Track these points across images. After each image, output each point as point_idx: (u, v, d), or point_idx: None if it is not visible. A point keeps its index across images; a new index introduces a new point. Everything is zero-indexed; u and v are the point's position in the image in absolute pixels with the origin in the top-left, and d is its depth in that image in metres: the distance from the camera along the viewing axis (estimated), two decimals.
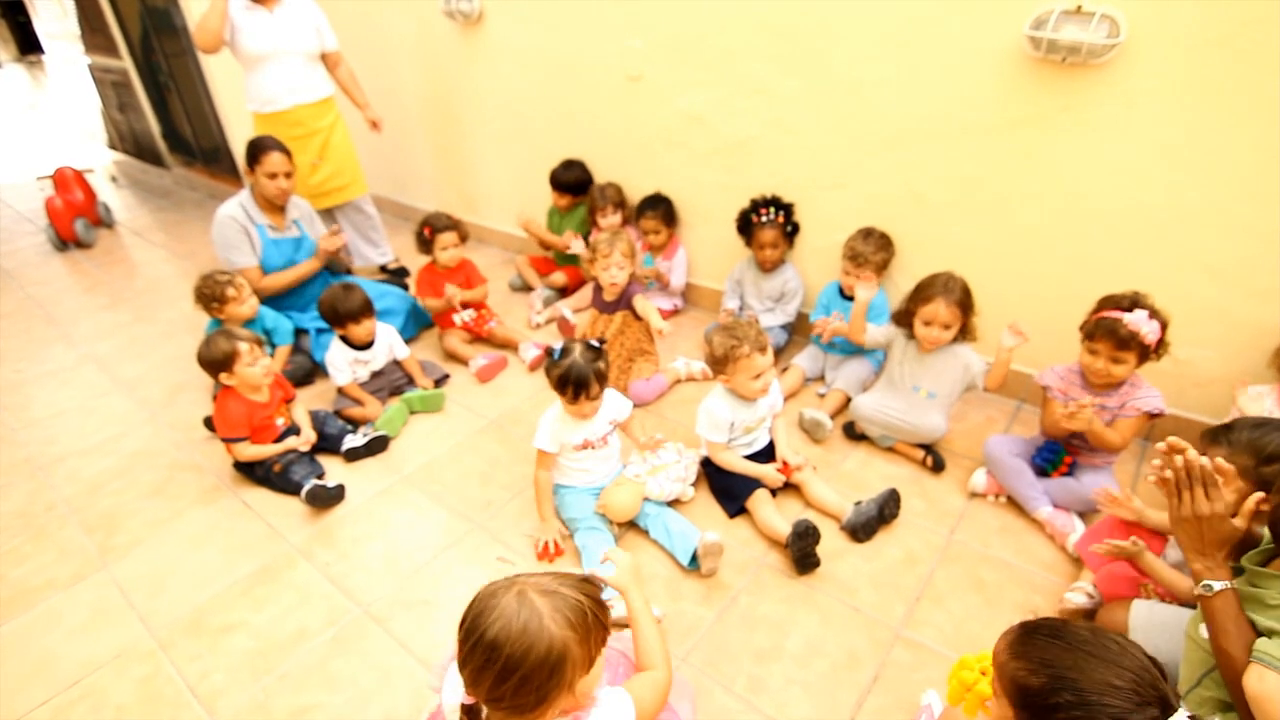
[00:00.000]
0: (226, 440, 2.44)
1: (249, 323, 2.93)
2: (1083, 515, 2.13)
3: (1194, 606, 1.73)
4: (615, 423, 2.23)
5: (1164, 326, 1.97)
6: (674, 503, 2.29)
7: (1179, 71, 2.05)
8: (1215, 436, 1.64)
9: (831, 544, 2.15)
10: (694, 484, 2.36)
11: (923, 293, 2.27)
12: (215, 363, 2.37)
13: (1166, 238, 2.25)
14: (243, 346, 2.37)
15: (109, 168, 6.79)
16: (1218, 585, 1.31)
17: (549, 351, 2.10)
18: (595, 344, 2.09)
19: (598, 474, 2.23)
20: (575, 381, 2.02)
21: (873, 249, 2.67)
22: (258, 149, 2.99)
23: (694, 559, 2.04)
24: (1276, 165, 2.01)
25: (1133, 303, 1.98)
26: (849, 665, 1.79)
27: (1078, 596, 1.87)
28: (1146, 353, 1.97)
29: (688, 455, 2.37)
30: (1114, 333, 1.95)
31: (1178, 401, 2.39)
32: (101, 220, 5.15)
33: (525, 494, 2.40)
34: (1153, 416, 2.05)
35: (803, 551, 1.99)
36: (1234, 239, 2.15)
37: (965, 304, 2.25)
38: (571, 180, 3.59)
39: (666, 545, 2.12)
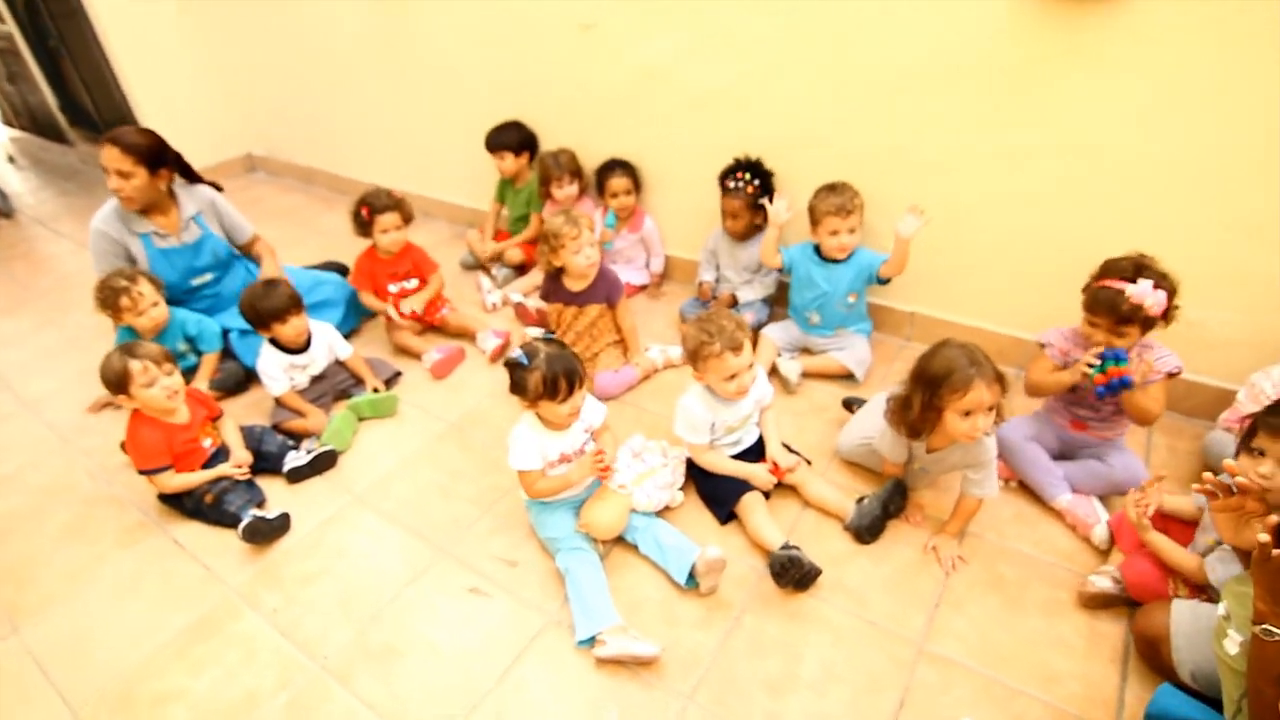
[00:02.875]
0: (145, 473, 2.12)
1: (168, 327, 2.58)
2: (1104, 499, 1.98)
3: (1204, 594, 1.61)
4: (590, 430, 1.99)
5: (1171, 294, 1.78)
6: (663, 510, 2.07)
7: (1202, 5, 1.82)
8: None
9: (837, 547, 1.97)
10: (682, 487, 2.14)
11: (948, 381, 1.68)
12: (109, 384, 2.05)
13: (1181, 190, 2.06)
14: (134, 365, 2.04)
15: (5, 146, 6.11)
16: None
17: (511, 364, 1.82)
18: (549, 335, 1.85)
19: (577, 486, 1.99)
20: (566, 375, 1.77)
21: (851, 194, 2.42)
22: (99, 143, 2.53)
23: (691, 576, 1.84)
24: None
25: (1136, 269, 1.78)
26: (871, 690, 1.62)
27: (1102, 580, 1.74)
28: (1152, 323, 1.79)
29: (674, 456, 2.15)
30: (1114, 309, 1.76)
31: (1188, 366, 2.23)
32: None
33: (494, 509, 2.16)
34: (1170, 376, 1.89)
35: (788, 584, 1.81)
36: (1255, 191, 1.96)
37: (999, 373, 1.70)
38: (511, 142, 3.24)
39: (659, 562, 1.91)
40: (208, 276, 2.85)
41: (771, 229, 2.52)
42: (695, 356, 1.93)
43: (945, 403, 1.70)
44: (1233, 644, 1.23)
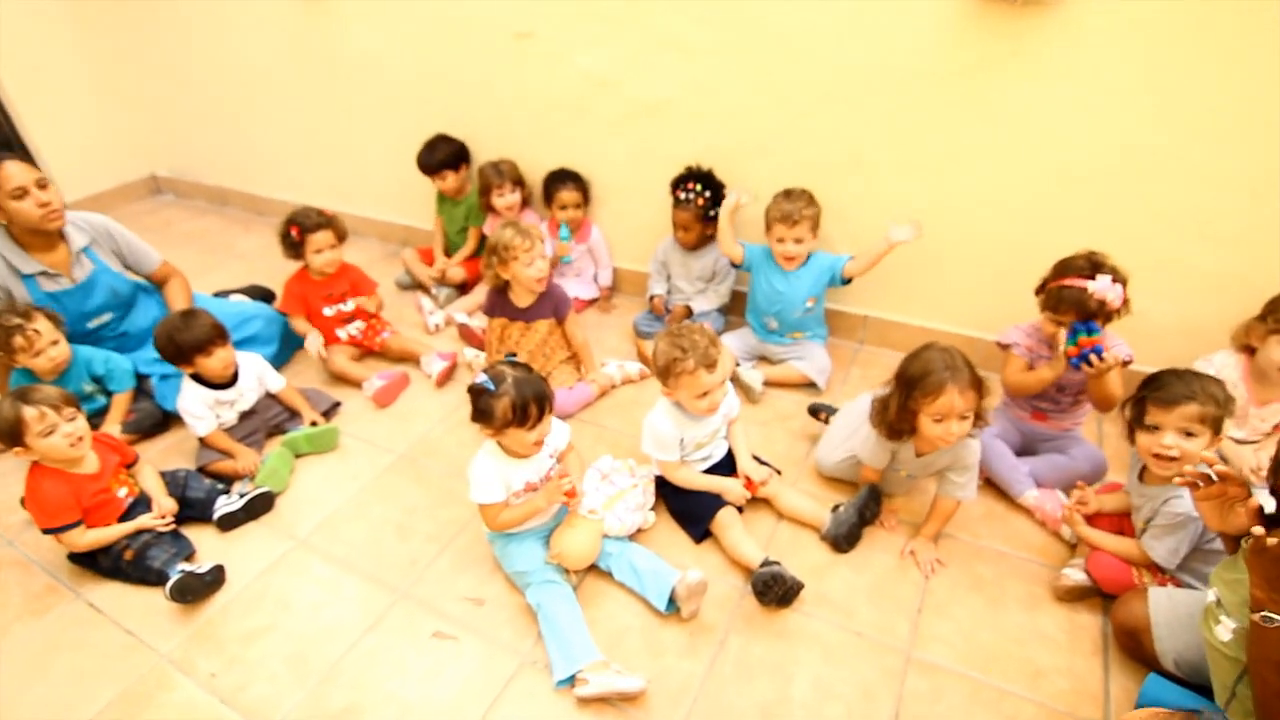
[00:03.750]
0: (49, 531, 1.88)
1: (71, 367, 2.33)
2: (1069, 491, 2.01)
3: (1172, 579, 1.66)
4: (555, 454, 1.88)
5: (1124, 285, 1.85)
6: (635, 532, 1.98)
7: (1131, 7, 1.89)
8: None
9: (816, 557, 1.93)
10: (653, 507, 2.06)
11: (921, 384, 1.68)
12: (2, 435, 1.82)
13: (1121, 186, 2.14)
14: (29, 413, 1.81)
15: None
16: None
17: (476, 390, 1.69)
18: (513, 358, 1.75)
19: (545, 514, 1.88)
20: (536, 399, 1.66)
21: (804, 204, 2.42)
22: None
23: (672, 601, 1.76)
24: (1235, 107, 1.91)
25: (1093, 266, 1.85)
26: (865, 705, 1.57)
27: (1076, 573, 1.76)
28: (1111, 316, 1.85)
29: (642, 474, 2.07)
30: (1081, 304, 1.81)
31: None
32: None
33: (455, 544, 2.02)
34: (1124, 364, 1.95)
35: (772, 601, 1.76)
36: (1190, 185, 2.06)
37: (978, 380, 1.69)
38: (442, 159, 3.11)
39: (636, 588, 1.82)
40: (106, 317, 2.54)
41: (724, 217, 2.50)
42: (667, 373, 1.86)
43: (919, 405, 1.69)
44: (1225, 630, 1.25)
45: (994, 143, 2.22)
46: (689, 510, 2.00)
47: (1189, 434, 1.54)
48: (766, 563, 1.78)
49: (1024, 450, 2.13)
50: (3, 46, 3.95)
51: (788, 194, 2.44)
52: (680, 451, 1.98)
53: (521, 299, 2.46)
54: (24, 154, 4.26)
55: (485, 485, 1.76)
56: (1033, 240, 2.29)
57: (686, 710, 1.58)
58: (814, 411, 2.35)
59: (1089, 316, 1.81)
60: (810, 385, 2.54)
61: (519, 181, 3.05)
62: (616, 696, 1.59)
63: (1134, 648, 1.59)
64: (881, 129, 2.35)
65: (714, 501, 1.96)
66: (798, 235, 2.43)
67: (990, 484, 2.10)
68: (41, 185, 2.29)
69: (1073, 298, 1.82)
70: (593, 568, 1.90)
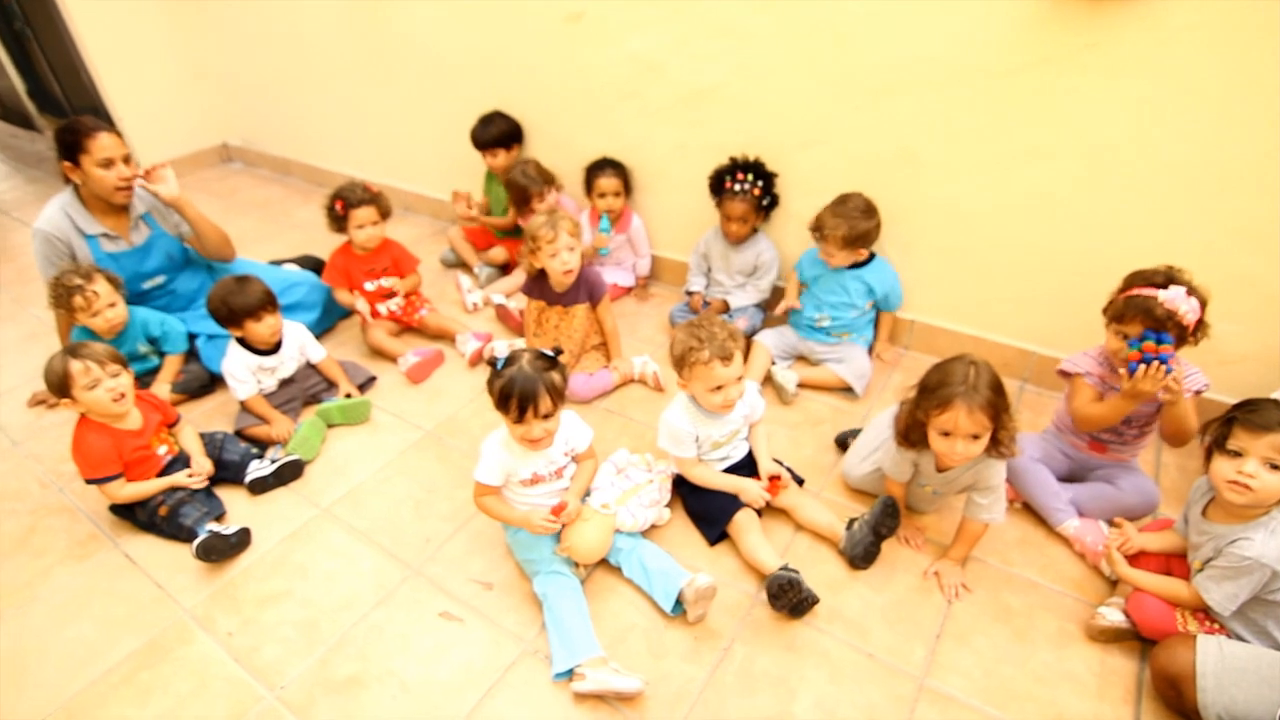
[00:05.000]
0: (92, 482, 1.98)
1: (128, 328, 2.43)
2: (1112, 524, 1.88)
3: (1218, 626, 1.52)
4: (572, 454, 1.86)
5: (1203, 305, 1.70)
6: (649, 529, 1.95)
7: (1227, 3, 1.72)
8: None
9: (834, 572, 1.86)
10: (669, 504, 2.02)
11: (934, 394, 1.60)
12: (51, 386, 1.91)
13: (1194, 197, 1.96)
14: (75, 367, 1.89)
15: None
16: None
17: (491, 362, 1.70)
18: (551, 353, 1.71)
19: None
20: (520, 396, 1.62)
21: (859, 216, 2.32)
22: (77, 133, 2.34)
23: (679, 603, 1.72)
24: None
25: (1167, 279, 1.70)
26: None
27: (1113, 613, 1.64)
28: (1184, 335, 1.70)
29: (659, 470, 2.03)
30: (1149, 313, 1.67)
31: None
32: None
33: (470, 525, 2.03)
34: (1197, 394, 1.79)
35: (784, 608, 1.70)
36: (1275, 200, 1.87)
37: (997, 405, 1.57)
38: (496, 135, 3.10)
39: (644, 587, 1.79)
40: (159, 279, 2.66)
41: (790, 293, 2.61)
42: (682, 362, 1.81)
43: (927, 416, 1.61)
44: None
45: (1058, 144, 2.06)
46: (706, 511, 1.95)
47: (1273, 465, 1.41)
48: (785, 568, 1.72)
49: (1070, 477, 1.99)
50: (92, 18, 4.16)
51: (842, 201, 2.36)
52: (696, 450, 1.93)
53: (558, 283, 2.45)
54: (107, 118, 4.49)
55: (487, 466, 1.76)
56: (1096, 251, 2.14)
57: (682, 716, 1.55)
58: (841, 443, 2.23)
59: (1157, 328, 1.66)
60: (848, 390, 2.45)
61: (551, 180, 2.99)
62: (613, 695, 1.56)
63: (1173, 698, 1.47)
64: (938, 125, 2.22)
65: (732, 503, 1.91)
66: (829, 253, 2.40)
67: (1029, 508, 1.98)
68: (126, 160, 2.42)
69: (1139, 305, 1.69)
70: (603, 562, 1.88)
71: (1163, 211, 2.02)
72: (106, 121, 4.51)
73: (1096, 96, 1.96)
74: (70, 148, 2.35)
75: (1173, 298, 1.66)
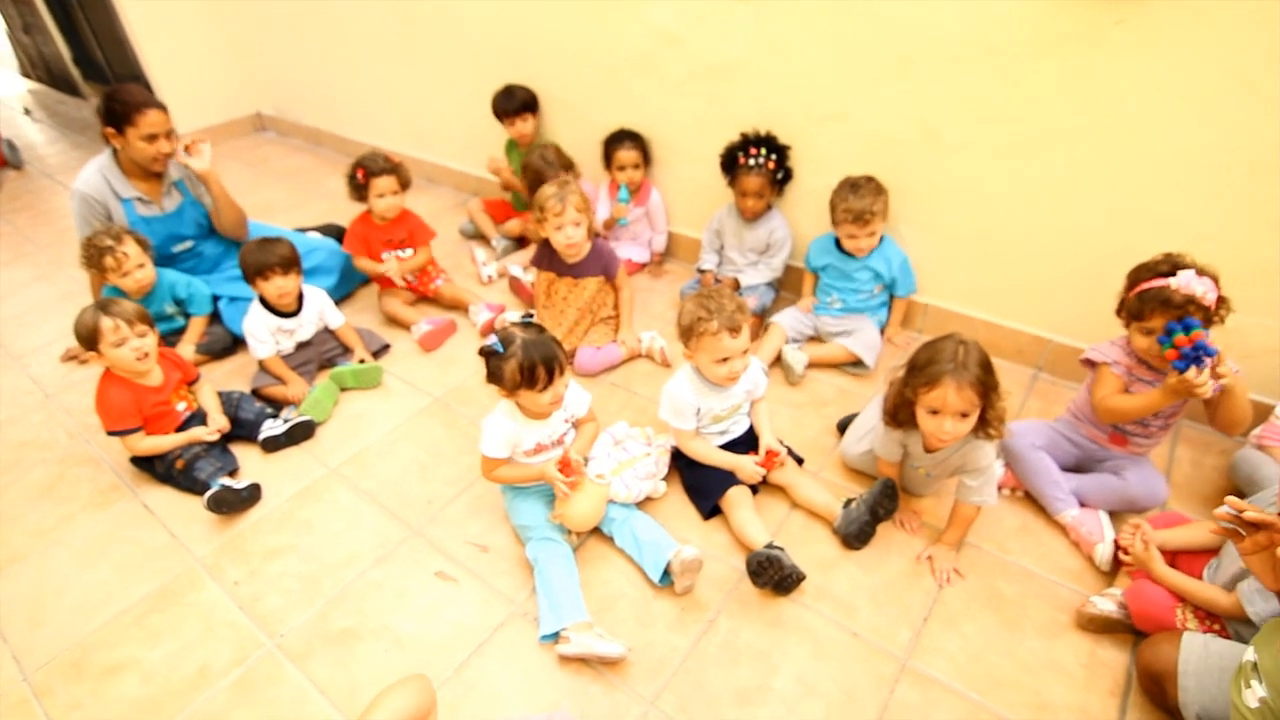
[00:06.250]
0: (113, 434, 2.06)
1: (156, 289, 2.52)
2: (1115, 515, 1.84)
3: (1247, 623, 1.47)
4: (572, 420, 1.88)
5: (1216, 281, 1.64)
6: (644, 501, 1.97)
7: None
8: None
9: (825, 551, 1.85)
10: (666, 478, 2.04)
11: (922, 372, 1.58)
12: (80, 339, 1.99)
13: (1226, 184, 1.88)
14: (105, 323, 1.97)
15: (22, 98, 6.09)
16: None
17: (488, 351, 1.71)
18: (527, 318, 1.74)
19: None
20: (545, 361, 1.65)
21: (871, 199, 2.30)
22: (127, 108, 2.43)
23: (666, 574, 1.74)
24: None
25: (1172, 266, 1.64)
26: (846, 707, 1.51)
27: (1105, 603, 1.61)
28: (1209, 316, 1.64)
29: (658, 445, 2.04)
30: (1167, 303, 1.62)
31: None
32: (7, 160, 4.59)
33: (471, 490, 2.07)
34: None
35: (766, 585, 1.70)
36: None
37: (986, 383, 1.55)
38: (518, 105, 3.11)
39: (635, 557, 1.81)
40: (188, 244, 2.77)
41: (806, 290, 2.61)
42: (689, 333, 1.81)
43: (916, 395, 1.60)
44: (1253, 697, 1.11)
45: (1083, 125, 1.99)
46: (700, 485, 1.96)
47: None
48: (770, 546, 1.72)
49: (1076, 468, 1.94)
50: None
51: (854, 188, 2.33)
52: (696, 422, 1.93)
53: (567, 255, 2.46)
54: (146, 86, 4.60)
55: (492, 441, 1.79)
56: (1117, 238, 2.07)
57: (663, 683, 1.57)
58: (842, 428, 2.20)
59: (1179, 316, 1.59)
60: (858, 364, 2.42)
61: (568, 166, 2.97)
62: (596, 659, 1.59)
63: (1157, 694, 1.45)
64: (960, 102, 2.15)
65: (726, 478, 1.91)
66: (870, 230, 2.36)
67: (1030, 497, 1.94)
68: (169, 136, 2.52)
69: (1155, 297, 1.63)
70: (596, 531, 1.90)
71: (1189, 198, 1.94)
72: (148, 90, 4.65)
73: (1124, 75, 1.88)
74: (118, 116, 2.44)
75: (1185, 282, 1.60)
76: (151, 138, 2.47)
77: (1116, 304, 1.78)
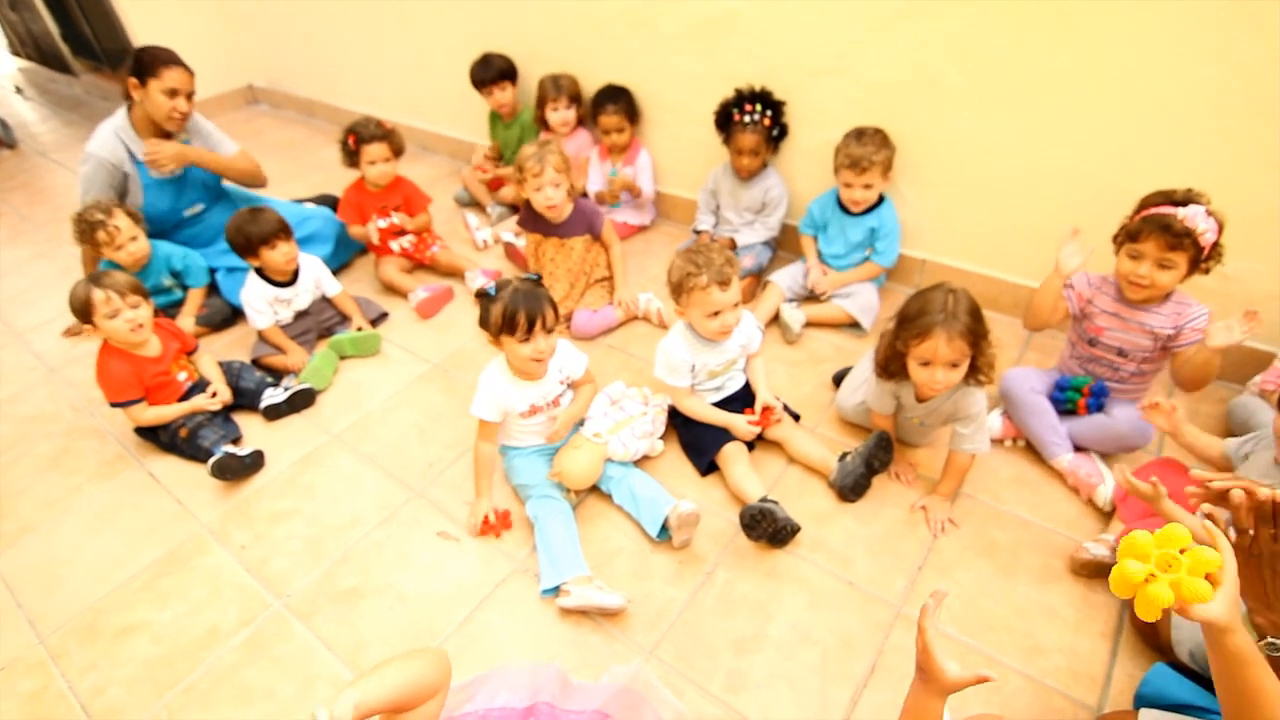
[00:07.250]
0: (116, 405, 2.09)
1: (152, 261, 2.52)
2: (1106, 458, 1.85)
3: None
4: (568, 381, 1.89)
5: (1220, 228, 1.62)
6: (642, 459, 1.98)
7: None
8: None
9: (821, 504, 1.87)
10: (663, 436, 2.05)
11: (913, 323, 1.59)
12: (75, 311, 2.01)
13: (1231, 126, 1.84)
14: (98, 295, 1.97)
15: (13, 77, 6.05)
16: None
17: (482, 293, 1.72)
18: (533, 277, 1.74)
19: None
20: (527, 310, 1.66)
21: (873, 149, 2.27)
22: (154, 61, 2.44)
23: (664, 529, 1.76)
24: None
25: (1187, 198, 1.62)
26: (842, 653, 1.54)
27: (1098, 548, 1.62)
28: (1198, 259, 1.63)
29: (655, 404, 2.05)
30: (1167, 228, 1.59)
31: None
32: (1, 140, 4.58)
33: (470, 453, 2.08)
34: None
35: (760, 537, 1.72)
36: None
37: (976, 332, 1.57)
38: (495, 74, 3.08)
39: (632, 513, 1.83)
40: (199, 207, 2.79)
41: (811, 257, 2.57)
42: (680, 288, 1.81)
43: (906, 346, 1.59)
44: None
45: (1086, 68, 1.95)
46: (696, 442, 1.98)
47: None
48: (765, 499, 1.74)
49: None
50: None
51: (859, 135, 2.30)
52: (691, 379, 1.94)
53: (551, 215, 2.44)
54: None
55: (482, 402, 1.80)
56: (1118, 185, 2.02)
57: (661, 633, 1.60)
58: (838, 381, 2.20)
59: (1173, 245, 1.59)
60: (854, 325, 2.41)
61: (575, 98, 2.97)
62: (596, 611, 1.62)
63: (1149, 633, 1.47)
64: (960, 47, 2.11)
65: (722, 435, 1.93)
66: (866, 181, 2.31)
67: (1028, 448, 1.95)
68: (189, 97, 2.52)
69: (1157, 221, 1.61)
70: (594, 489, 1.92)
71: (1191, 142, 1.91)
72: None
73: (1125, 14, 1.84)
74: (143, 66, 2.44)
75: (1192, 214, 1.58)
76: (172, 92, 2.47)
77: (1122, 224, 1.75)
